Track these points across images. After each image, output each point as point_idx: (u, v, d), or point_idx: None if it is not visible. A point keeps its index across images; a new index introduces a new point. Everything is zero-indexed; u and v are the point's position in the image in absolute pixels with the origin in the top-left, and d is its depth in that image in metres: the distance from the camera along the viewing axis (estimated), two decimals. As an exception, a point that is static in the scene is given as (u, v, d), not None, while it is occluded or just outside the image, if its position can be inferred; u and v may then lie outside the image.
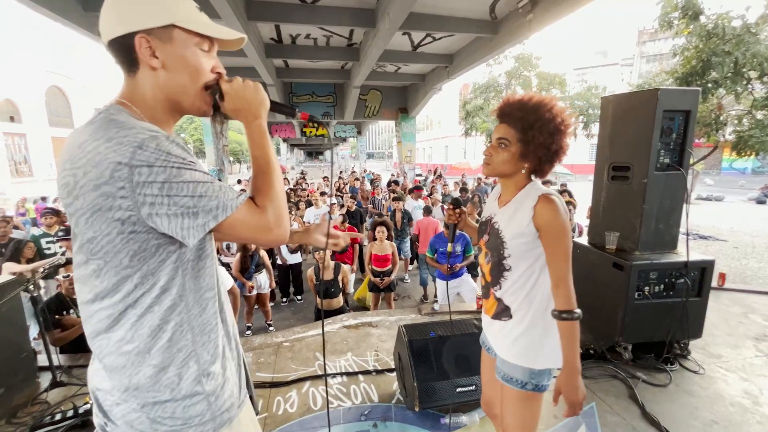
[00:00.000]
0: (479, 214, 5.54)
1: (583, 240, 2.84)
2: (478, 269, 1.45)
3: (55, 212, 5.01)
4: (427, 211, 5.92)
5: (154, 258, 0.70)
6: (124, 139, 0.64)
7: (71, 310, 2.69)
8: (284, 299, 5.55)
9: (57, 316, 2.62)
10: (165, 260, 0.72)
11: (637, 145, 2.39)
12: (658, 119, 2.28)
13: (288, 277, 5.47)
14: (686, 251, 2.43)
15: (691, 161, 2.52)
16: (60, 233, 4.19)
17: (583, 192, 6.60)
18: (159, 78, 0.75)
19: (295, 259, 5.41)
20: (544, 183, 6.17)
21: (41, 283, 3.52)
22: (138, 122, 0.70)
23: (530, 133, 1.16)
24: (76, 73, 21.47)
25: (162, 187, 0.65)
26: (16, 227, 6.18)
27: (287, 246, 5.27)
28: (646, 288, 2.39)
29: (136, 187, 0.64)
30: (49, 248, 4.29)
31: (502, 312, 1.28)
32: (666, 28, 8.78)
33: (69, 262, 3.62)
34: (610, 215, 2.66)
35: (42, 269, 2.32)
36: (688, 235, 2.44)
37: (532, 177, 1.26)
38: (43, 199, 12.46)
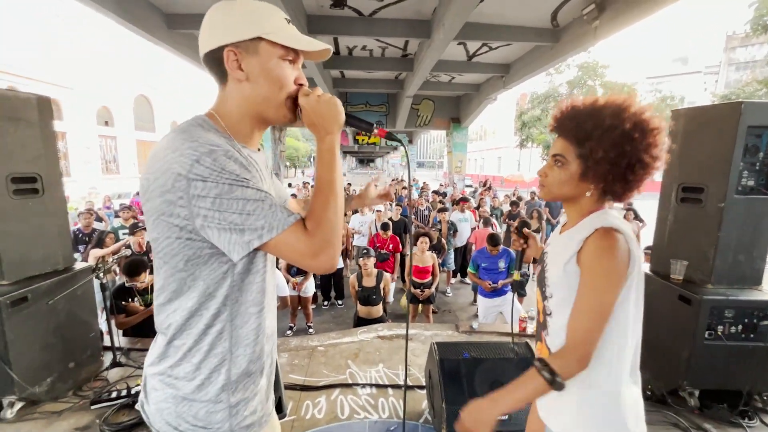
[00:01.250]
0: (534, 231, 5.26)
1: (645, 267, 2.57)
2: (526, 291, 1.31)
3: (129, 207, 5.61)
4: (486, 222, 5.76)
5: (206, 265, 0.74)
6: (186, 152, 0.68)
7: (135, 298, 2.97)
8: (325, 303, 5.68)
9: (123, 303, 2.91)
10: (216, 269, 0.75)
11: (714, 164, 2.12)
12: (740, 136, 2.00)
13: (330, 282, 5.60)
14: (774, 289, 2.10)
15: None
16: (140, 225, 4.69)
17: (651, 211, 6.01)
18: (244, 90, 0.78)
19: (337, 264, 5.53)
20: (627, 212, 5.46)
21: (116, 269, 3.94)
22: (205, 134, 0.72)
23: (587, 146, 0.91)
24: (159, 83, 24.07)
25: (213, 201, 0.68)
26: (101, 219, 7.02)
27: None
28: (720, 327, 2.09)
29: (192, 199, 0.68)
30: (124, 239, 4.81)
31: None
32: (760, 33, 7.83)
33: (145, 253, 4.02)
34: (677, 241, 2.37)
35: (111, 258, 2.59)
36: (776, 270, 2.11)
37: (608, 202, 1.00)
38: (138, 194, 13.99)
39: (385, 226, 5.38)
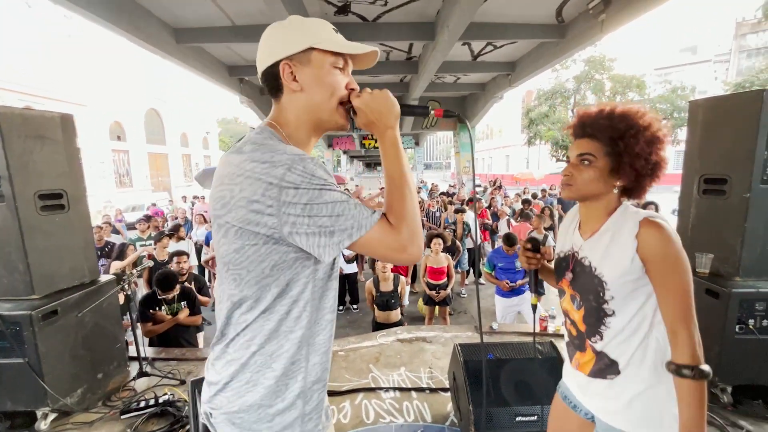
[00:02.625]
0: (546, 228, 5.22)
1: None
2: (562, 313, 1.25)
3: (147, 218, 5.72)
4: (525, 216, 5.70)
5: (290, 270, 0.77)
6: (275, 162, 0.71)
7: (162, 307, 3.03)
8: (340, 308, 5.69)
9: (150, 311, 2.97)
10: (299, 273, 0.78)
11: (737, 154, 2.07)
12: (764, 125, 1.96)
13: (344, 287, 5.61)
14: (805, 279, 2.04)
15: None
16: (162, 234, 4.77)
17: (668, 205, 5.90)
18: (299, 100, 0.83)
19: (351, 268, 5.54)
20: (646, 206, 5.59)
21: (138, 281, 4.02)
22: (286, 146, 0.77)
23: (622, 143, 0.99)
24: (168, 97, 24.54)
25: (304, 207, 0.71)
26: (117, 232, 7.16)
27: (343, 255, 5.42)
28: (751, 321, 2.03)
29: (282, 206, 0.70)
30: (140, 250, 4.89)
31: (607, 368, 1.06)
32: (773, 18, 7.65)
33: (167, 263, 4.10)
34: (701, 234, 2.32)
35: (136, 270, 2.64)
36: (806, 260, 2.04)
37: (623, 199, 1.07)
38: (154, 204, 14.23)
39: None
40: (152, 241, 4.78)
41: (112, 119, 19.65)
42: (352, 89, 0.86)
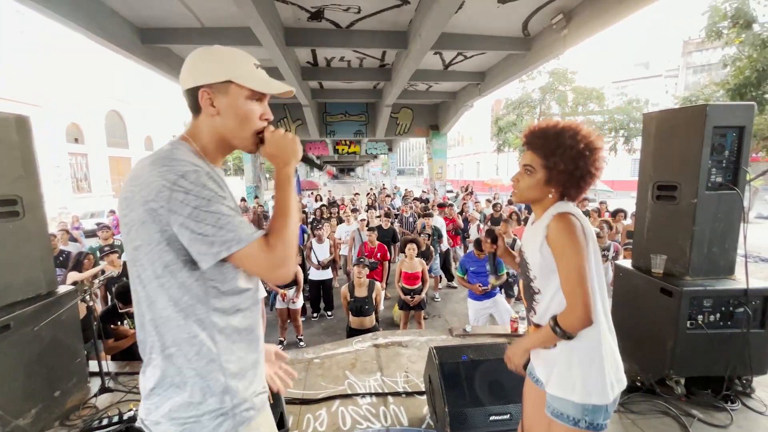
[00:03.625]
0: (515, 233, 5.40)
1: (626, 263, 2.69)
2: (515, 291, 1.46)
3: (107, 227, 5.42)
4: (495, 221, 5.86)
5: (182, 272, 0.82)
6: (172, 169, 0.79)
7: (125, 321, 2.87)
8: (315, 314, 5.61)
9: (112, 326, 2.81)
10: (191, 275, 0.83)
11: (685, 163, 2.26)
12: (707, 136, 2.15)
13: (319, 293, 5.55)
14: (746, 277, 2.24)
15: (749, 178, 2.34)
16: (106, 248, 4.54)
17: (627, 210, 6.27)
18: (215, 122, 0.91)
19: (326, 275, 5.49)
20: (616, 213, 6.05)
21: (96, 292, 3.79)
22: (188, 158, 0.83)
23: (552, 160, 1.18)
24: (132, 98, 23.43)
25: (192, 212, 0.78)
26: (75, 240, 6.73)
27: (318, 261, 5.36)
28: (700, 317, 2.21)
29: (173, 206, 0.77)
30: (104, 260, 4.62)
31: None
32: (714, 38, 8.38)
33: (122, 274, 3.89)
34: (655, 237, 2.50)
35: (98, 280, 2.50)
36: (747, 259, 2.25)
37: (565, 200, 1.25)
38: (113, 212, 13.37)
39: (372, 229, 5.40)
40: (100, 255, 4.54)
41: (69, 121, 18.49)
42: (267, 119, 0.95)
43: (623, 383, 1.20)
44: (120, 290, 2.87)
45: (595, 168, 1.18)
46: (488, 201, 9.88)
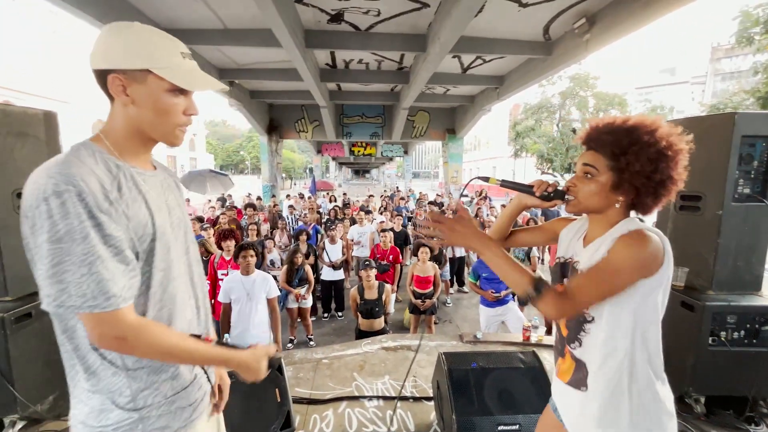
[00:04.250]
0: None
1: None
2: (552, 321, 1.25)
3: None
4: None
5: None
6: (46, 184, 0.69)
7: None
8: (325, 315, 5.64)
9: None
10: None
11: (711, 173, 2.17)
12: (735, 145, 2.07)
13: (330, 293, 5.57)
14: (773, 294, 2.13)
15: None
16: None
17: (648, 220, 6.07)
18: (129, 111, 0.80)
19: (338, 275, 5.51)
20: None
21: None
22: (72, 169, 0.71)
23: (624, 160, 0.96)
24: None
25: (43, 243, 0.69)
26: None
27: (330, 262, 5.39)
28: (723, 333, 2.11)
29: (33, 229, 0.70)
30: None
31: (583, 379, 1.05)
32: (745, 44, 8.09)
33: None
34: (677, 248, 2.37)
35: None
36: (775, 275, 2.15)
37: (632, 214, 1.04)
38: None
39: (385, 230, 5.40)
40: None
41: (96, 117, 19.18)
42: (192, 114, 0.87)
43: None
44: None
45: (677, 174, 0.96)
46: (503, 206, 9.75)
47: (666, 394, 1.00)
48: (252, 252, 3.22)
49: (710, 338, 2.10)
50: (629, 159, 0.95)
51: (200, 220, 6.10)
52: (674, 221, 2.42)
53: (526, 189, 1.13)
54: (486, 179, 1.17)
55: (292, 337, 4.73)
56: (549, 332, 4.08)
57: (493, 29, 6.47)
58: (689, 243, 2.33)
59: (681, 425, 2.11)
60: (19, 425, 1.96)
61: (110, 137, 0.82)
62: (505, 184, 1.17)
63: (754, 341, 2.11)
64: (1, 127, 1.86)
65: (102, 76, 0.78)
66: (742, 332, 2.12)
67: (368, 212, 6.93)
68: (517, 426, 1.83)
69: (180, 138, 0.87)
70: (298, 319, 4.70)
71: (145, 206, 0.81)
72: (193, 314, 0.95)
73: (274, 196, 12.82)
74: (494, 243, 1.03)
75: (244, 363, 0.91)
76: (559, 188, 1.10)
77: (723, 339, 2.11)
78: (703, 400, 2.23)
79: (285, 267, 4.52)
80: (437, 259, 4.91)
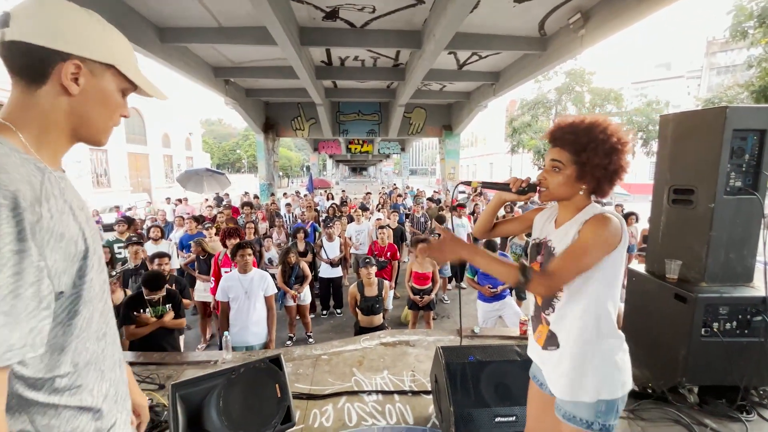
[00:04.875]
0: (527, 235, 5.35)
1: (640, 267, 2.64)
2: (526, 294, 1.42)
3: (128, 220, 5.57)
4: None
5: None
6: None
7: (146, 309, 2.97)
8: (324, 312, 5.66)
9: (134, 313, 2.92)
10: None
11: (703, 167, 2.20)
12: (726, 139, 2.09)
13: (329, 290, 5.59)
14: (765, 285, 2.17)
15: (770, 184, 2.27)
16: (133, 238, 4.66)
17: (647, 213, 6.13)
18: (67, 103, 0.70)
19: (336, 272, 5.53)
20: (627, 217, 5.96)
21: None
22: (8, 172, 0.59)
23: (584, 155, 1.14)
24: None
25: None
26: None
27: (328, 259, 5.41)
28: (715, 324, 2.15)
29: None
30: (120, 253, 4.76)
31: (551, 340, 1.24)
32: (739, 39, 8.12)
33: (141, 267, 3.99)
34: (670, 242, 2.45)
35: (115, 272, 2.58)
36: (767, 266, 2.18)
37: (592, 198, 1.24)
38: (117, 207, 13.85)
39: (383, 227, 5.41)
40: (125, 244, 4.65)
41: None
42: (124, 116, 0.81)
43: (629, 386, 1.18)
44: (149, 276, 2.99)
45: (625, 163, 1.16)
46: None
47: (623, 348, 1.19)
48: (249, 250, 3.24)
49: (703, 329, 2.14)
50: (589, 154, 1.13)
51: (198, 219, 6.10)
52: (667, 215, 2.46)
53: (504, 186, 1.32)
54: (468, 183, 1.40)
55: (291, 335, 4.75)
56: (546, 326, 4.13)
57: (488, 25, 6.48)
58: (682, 236, 2.36)
59: (675, 415, 2.16)
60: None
61: (25, 130, 0.67)
62: (485, 184, 1.39)
63: (746, 332, 2.15)
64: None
65: (40, 54, 0.65)
66: (734, 323, 2.15)
67: (365, 209, 6.94)
68: (514, 417, 1.86)
69: (107, 138, 0.80)
70: (297, 317, 4.72)
71: (72, 218, 0.68)
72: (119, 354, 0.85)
73: (273, 194, 12.80)
74: (479, 249, 1.21)
75: None
76: (532, 182, 1.29)
77: (715, 330, 2.14)
78: (696, 390, 2.27)
79: (280, 267, 4.54)
80: (435, 255, 4.94)
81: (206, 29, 6.48)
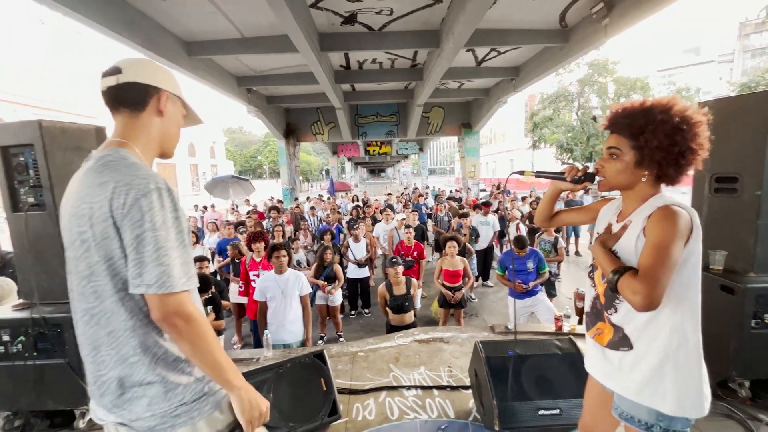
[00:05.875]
0: (557, 231, 5.28)
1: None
2: (592, 289, 1.28)
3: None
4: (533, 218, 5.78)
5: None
6: (145, 183, 0.87)
7: None
8: (353, 312, 5.74)
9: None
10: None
11: (747, 153, 2.13)
12: (772, 124, 2.02)
13: (356, 291, 5.67)
14: (818, 274, 2.07)
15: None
16: None
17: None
18: (158, 123, 1.02)
19: (363, 273, 5.60)
20: None
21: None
22: (150, 171, 0.91)
23: (642, 138, 1.07)
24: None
25: (146, 232, 0.85)
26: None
27: (355, 259, 5.49)
28: (766, 316, 2.08)
29: (132, 221, 0.84)
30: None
31: (620, 341, 1.15)
32: (776, 18, 7.70)
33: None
34: (714, 232, 2.36)
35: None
36: (819, 254, 2.08)
37: (662, 187, 1.15)
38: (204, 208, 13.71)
39: (408, 227, 5.44)
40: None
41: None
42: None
43: (709, 400, 1.09)
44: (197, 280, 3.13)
45: (697, 144, 1.05)
46: (524, 199, 9.63)
47: (700, 359, 1.09)
48: (284, 252, 3.34)
49: (753, 321, 2.07)
50: (647, 137, 1.06)
51: (238, 224, 6.41)
52: (710, 205, 2.38)
53: (559, 176, 1.28)
54: (522, 173, 1.36)
55: (323, 334, 4.85)
56: (581, 322, 4.05)
57: (507, 20, 6.41)
58: (726, 226, 2.29)
59: (726, 409, 2.09)
60: (89, 416, 2.11)
61: (138, 146, 0.97)
62: (540, 174, 1.35)
63: (800, 322, 2.07)
64: (60, 143, 2.02)
65: (144, 89, 0.98)
66: (787, 314, 2.07)
67: (392, 210, 6.97)
68: (558, 410, 1.86)
69: (174, 152, 1.11)
70: (328, 317, 4.81)
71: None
72: None
73: (297, 198, 13.05)
74: (605, 253, 1.16)
75: (247, 397, 0.96)
76: (590, 171, 1.23)
77: (766, 321, 2.07)
78: (747, 384, 2.20)
79: (315, 264, 4.64)
80: (461, 252, 4.93)
81: (230, 41, 6.71)
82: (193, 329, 0.88)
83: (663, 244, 1.00)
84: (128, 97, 0.97)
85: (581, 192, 8.29)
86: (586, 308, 1.32)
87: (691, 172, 2.26)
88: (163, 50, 6.05)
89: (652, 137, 1.06)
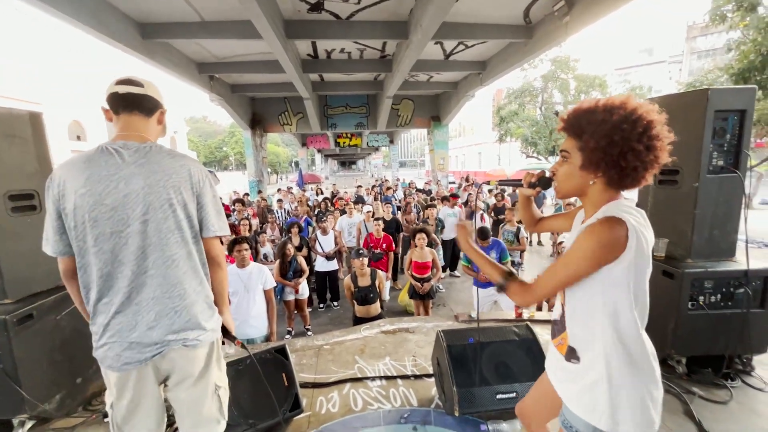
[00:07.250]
0: (519, 222, 5.45)
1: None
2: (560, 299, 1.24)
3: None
4: (499, 211, 5.85)
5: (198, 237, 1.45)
6: (199, 165, 1.37)
7: None
8: (321, 305, 5.70)
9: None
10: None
11: (687, 147, 2.28)
12: (708, 120, 2.17)
13: (325, 284, 5.62)
14: (746, 259, 2.28)
15: (752, 163, 2.36)
16: None
17: (630, 195, 6.26)
18: (158, 128, 1.41)
19: (332, 266, 5.56)
20: None
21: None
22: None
23: (584, 138, 1.00)
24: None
25: (215, 196, 1.39)
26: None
27: (323, 252, 5.43)
28: (701, 298, 2.25)
29: (205, 190, 1.35)
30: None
31: (571, 353, 1.12)
32: (718, 22, 8.29)
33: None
34: (657, 221, 2.52)
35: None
36: (747, 242, 2.28)
37: (622, 195, 1.07)
38: None
39: (377, 219, 5.44)
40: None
41: (71, 118, 18.56)
42: None
43: (657, 426, 1.02)
44: None
45: (643, 145, 0.96)
46: (490, 191, 9.89)
47: (645, 378, 1.03)
48: (246, 245, 3.25)
49: (689, 303, 2.24)
50: (586, 137, 1.00)
51: None
52: (654, 195, 2.55)
53: (517, 183, 1.28)
54: (488, 183, 1.49)
55: (290, 329, 4.79)
56: (539, 308, 4.24)
57: (474, 14, 6.49)
58: (668, 215, 2.46)
59: (665, 385, 2.24)
60: (29, 425, 1.98)
61: (153, 141, 1.35)
62: (502, 183, 1.46)
63: (729, 303, 2.26)
64: (-13, 128, 1.83)
65: (156, 103, 1.36)
66: (719, 296, 2.26)
67: (362, 202, 6.94)
68: (514, 393, 1.94)
69: None
70: (295, 311, 4.75)
71: None
72: None
73: (260, 191, 12.71)
74: (475, 247, 1.30)
75: (230, 317, 1.58)
76: (547, 176, 1.18)
77: (701, 303, 2.25)
78: (684, 360, 2.39)
79: (277, 261, 4.55)
80: (429, 243, 5.00)
81: (189, 24, 6.35)
82: (223, 262, 1.45)
83: (568, 257, 1.01)
84: (146, 105, 1.32)
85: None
86: (554, 316, 1.25)
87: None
88: (114, 33, 5.63)
89: (591, 137, 0.99)
